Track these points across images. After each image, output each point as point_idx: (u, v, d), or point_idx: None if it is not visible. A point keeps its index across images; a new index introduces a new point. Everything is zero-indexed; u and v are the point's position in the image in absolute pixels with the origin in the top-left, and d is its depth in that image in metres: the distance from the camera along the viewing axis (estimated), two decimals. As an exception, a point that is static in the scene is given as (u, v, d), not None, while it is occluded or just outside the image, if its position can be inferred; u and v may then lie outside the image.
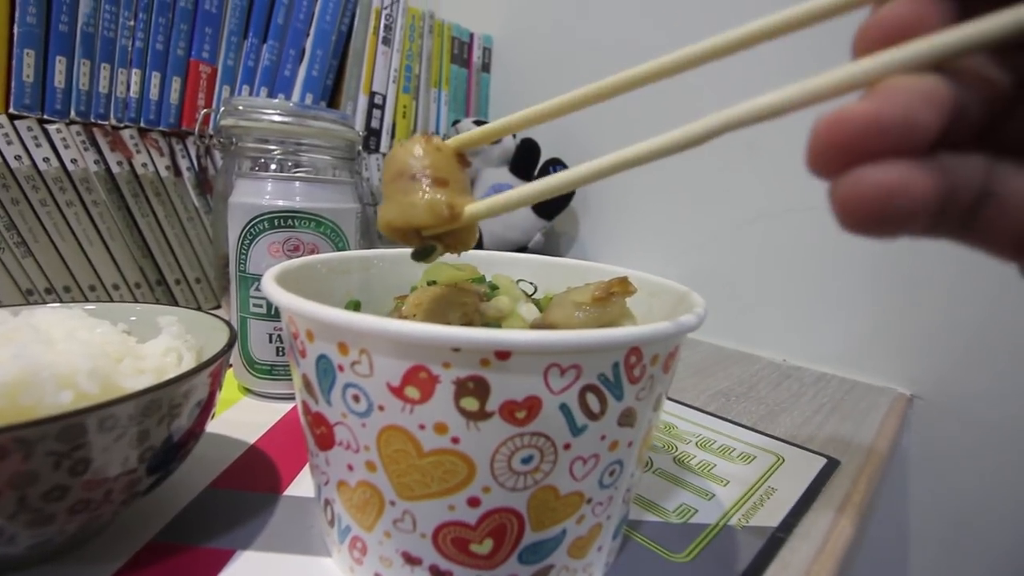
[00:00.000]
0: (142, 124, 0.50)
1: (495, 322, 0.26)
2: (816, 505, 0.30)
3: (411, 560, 0.20)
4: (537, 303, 0.28)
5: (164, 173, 0.51)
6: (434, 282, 0.27)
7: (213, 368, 0.23)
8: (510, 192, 0.18)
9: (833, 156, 0.12)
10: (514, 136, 0.72)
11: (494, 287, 0.28)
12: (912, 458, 0.50)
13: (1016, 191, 0.13)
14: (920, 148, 0.12)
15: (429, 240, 0.20)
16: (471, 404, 0.17)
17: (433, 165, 0.20)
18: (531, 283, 0.32)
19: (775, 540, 0.27)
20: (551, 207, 0.66)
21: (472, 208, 0.19)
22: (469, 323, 0.24)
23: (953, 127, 0.12)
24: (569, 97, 0.19)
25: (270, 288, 0.20)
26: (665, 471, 0.32)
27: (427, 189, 0.19)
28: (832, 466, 0.35)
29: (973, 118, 0.13)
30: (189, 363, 0.26)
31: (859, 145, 0.12)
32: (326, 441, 0.20)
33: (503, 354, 0.16)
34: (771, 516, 0.29)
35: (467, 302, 0.25)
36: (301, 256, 0.33)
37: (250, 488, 0.27)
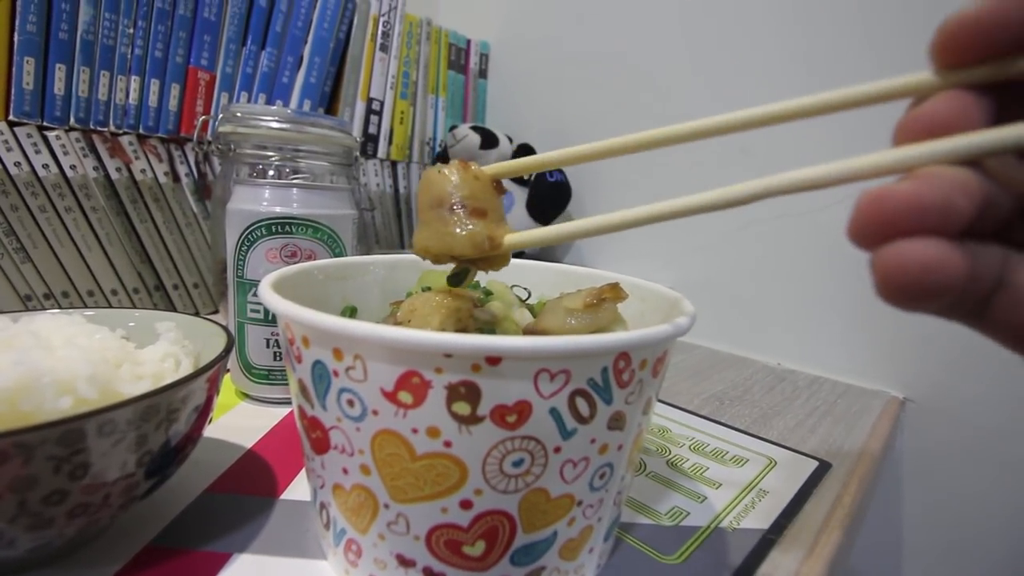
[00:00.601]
0: (141, 131, 0.50)
1: (489, 327, 0.26)
2: (807, 508, 0.31)
3: (405, 562, 0.20)
4: (531, 308, 0.29)
5: (163, 179, 0.52)
6: (429, 288, 0.28)
7: (211, 373, 0.23)
8: (550, 228, 0.19)
9: (875, 230, 0.13)
10: (511, 140, 0.72)
11: (488, 292, 0.29)
12: (904, 461, 0.50)
13: None
14: (953, 232, 0.13)
15: (464, 263, 0.21)
16: (463, 408, 0.17)
17: (472, 195, 0.20)
18: (525, 288, 0.32)
19: (766, 542, 0.27)
20: (546, 212, 0.67)
21: (511, 239, 0.20)
22: (463, 329, 0.25)
23: (980, 218, 0.13)
24: (608, 144, 0.20)
25: (267, 294, 0.21)
26: (658, 474, 0.33)
27: (467, 221, 0.20)
28: (824, 469, 0.35)
29: (999, 212, 0.14)
30: (187, 368, 0.26)
31: (900, 222, 0.13)
32: (321, 445, 0.20)
33: (494, 360, 0.17)
34: (762, 518, 0.29)
35: (461, 307, 0.25)
36: (298, 262, 0.33)
37: (247, 492, 0.28)
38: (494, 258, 0.21)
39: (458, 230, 0.20)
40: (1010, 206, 0.14)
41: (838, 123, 0.52)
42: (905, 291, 0.13)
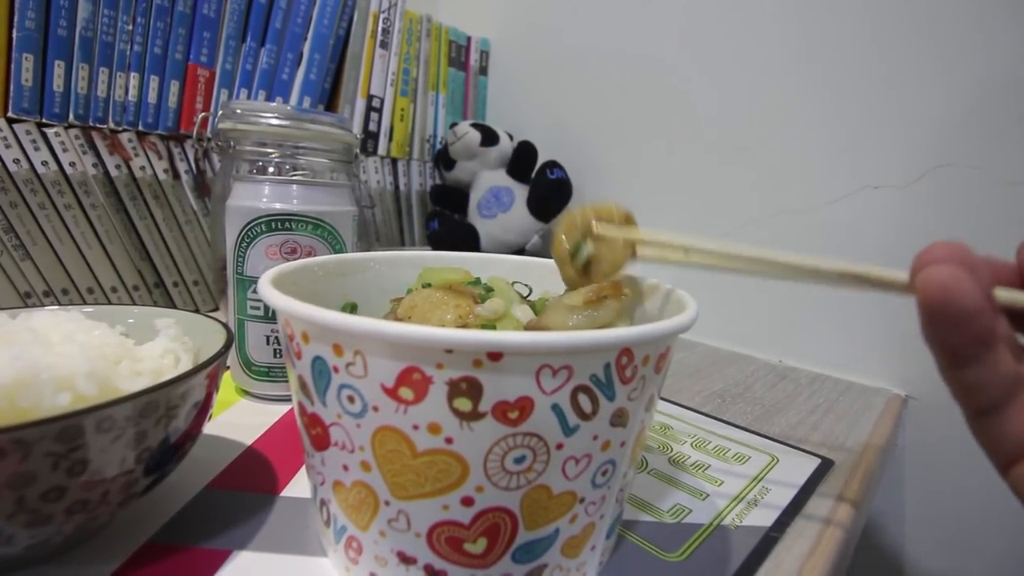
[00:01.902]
0: (140, 128, 0.50)
1: (490, 324, 0.26)
2: (810, 505, 0.31)
3: (406, 559, 0.20)
4: (532, 305, 0.28)
5: (162, 176, 0.52)
6: (429, 284, 0.28)
7: (210, 370, 0.23)
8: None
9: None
10: (511, 138, 0.72)
11: (489, 289, 0.28)
12: (907, 458, 0.50)
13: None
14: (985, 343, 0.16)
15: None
16: (464, 404, 0.17)
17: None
18: (527, 285, 0.32)
19: (768, 539, 0.27)
20: (548, 209, 0.66)
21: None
22: (464, 325, 0.24)
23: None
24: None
25: (266, 291, 0.21)
26: (660, 471, 0.33)
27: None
28: (826, 466, 0.35)
29: None
30: (186, 365, 0.26)
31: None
32: (321, 442, 0.20)
33: (495, 355, 0.17)
34: (765, 516, 0.29)
35: (462, 304, 0.25)
36: (298, 259, 0.33)
37: (247, 489, 0.28)
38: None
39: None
40: None
41: (838, 120, 0.51)
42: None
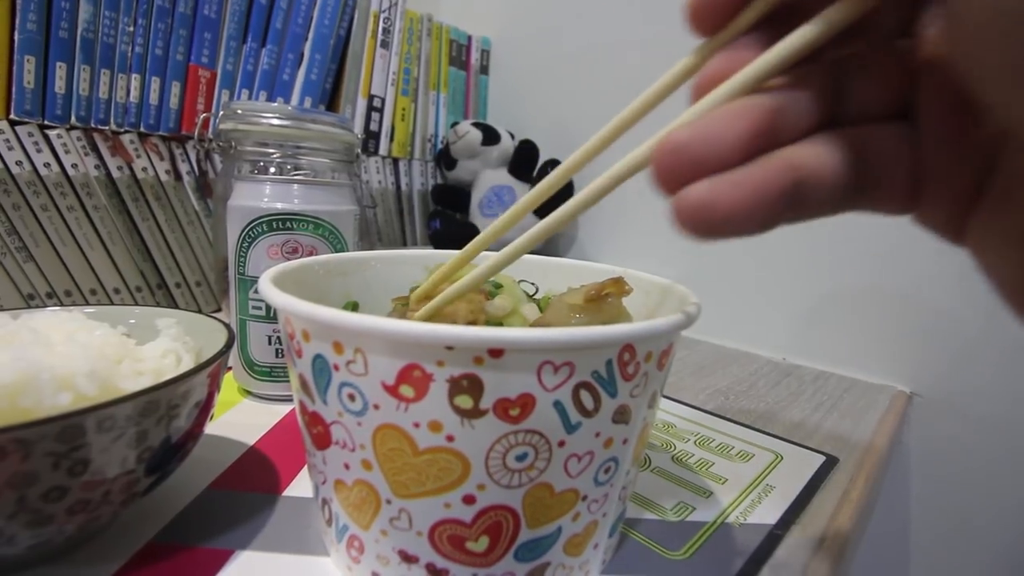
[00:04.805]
0: (142, 129, 0.50)
1: (497, 321, 0.26)
2: (814, 502, 0.30)
3: (408, 558, 0.20)
4: (538, 303, 0.28)
5: (164, 177, 0.52)
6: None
7: (211, 369, 0.23)
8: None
9: (665, 186, 0.14)
10: (513, 137, 0.72)
11: (498, 286, 0.28)
12: (912, 455, 0.50)
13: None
14: (733, 155, 0.14)
15: None
16: (465, 402, 0.17)
17: None
18: (532, 283, 0.32)
19: (772, 537, 0.27)
20: (550, 208, 0.66)
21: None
22: (474, 322, 0.24)
23: (787, 112, 0.14)
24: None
25: (266, 289, 0.20)
26: (663, 469, 0.32)
27: None
28: (831, 463, 0.35)
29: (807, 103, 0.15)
30: (188, 365, 0.26)
31: (681, 173, 0.14)
32: (323, 440, 0.20)
33: (496, 352, 0.17)
34: (769, 513, 0.29)
35: (473, 299, 0.25)
36: (300, 258, 0.33)
37: (249, 489, 0.28)
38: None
39: None
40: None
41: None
42: (697, 232, 0.14)
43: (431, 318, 0.23)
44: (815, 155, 0.14)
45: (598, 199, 0.17)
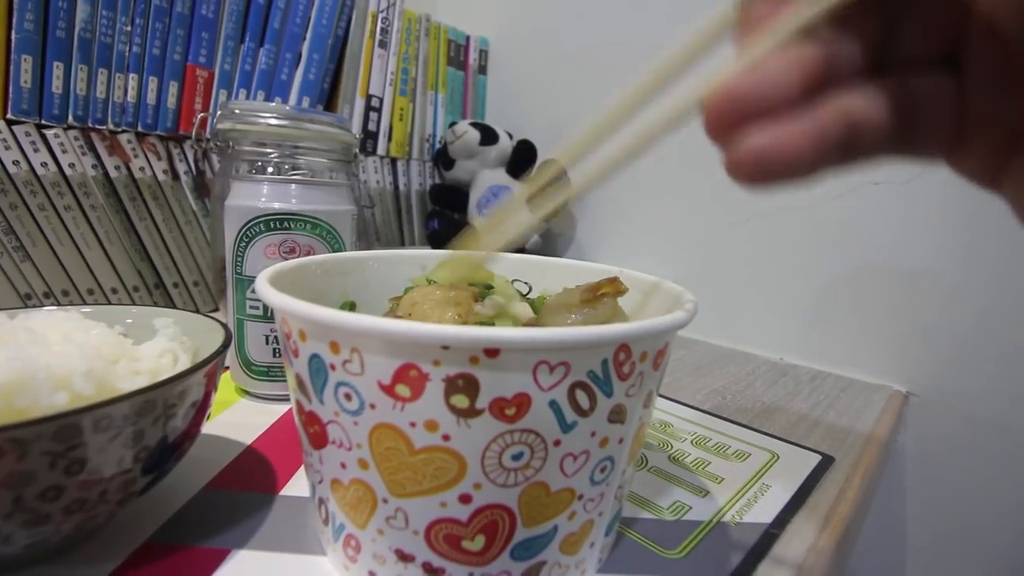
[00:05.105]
0: (139, 128, 0.50)
1: (489, 321, 0.26)
2: (810, 502, 0.30)
3: (404, 557, 0.20)
4: (532, 303, 0.28)
5: (162, 177, 0.52)
6: (433, 281, 0.28)
7: (208, 369, 0.23)
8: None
9: (717, 134, 0.15)
10: (511, 137, 0.72)
11: (489, 287, 0.28)
12: (908, 455, 0.50)
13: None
14: (787, 102, 0.14)
15: None
16: (461, 401, 0.17)
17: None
18: (526, 283, 0.32)
19: (768, 536, 0.27)
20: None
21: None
22: (464, 323, 0.24)
23: (837, 60, 0.14)
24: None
25: (263, 289, 0.20)
26: (660, 469, 0.33)
27: None
28: (827, 463, 0.35)
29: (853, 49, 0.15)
30: (185, 364, 0.26)
31: (734, 119, 0.14)
32: (319, 440, 0.20)
33: (492, 352, 0.17)
34: (765, 513, 0.29)
35: (462, 301, 0.25)
36: (297, 258, 0.33)
37: (246, 488, 0.28)
38: None
39: None
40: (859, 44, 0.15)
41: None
42: (753, 180, 0.14)
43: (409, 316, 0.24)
44: (865, 101, 0.15)
45: (642, 149, 0.18)
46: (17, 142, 0.44)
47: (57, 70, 0.44)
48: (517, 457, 0.18)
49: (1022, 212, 0.16)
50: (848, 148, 0.14)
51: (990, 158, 0.16)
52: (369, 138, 0.67)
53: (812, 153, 0.14)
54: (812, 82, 0.14)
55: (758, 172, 0.14)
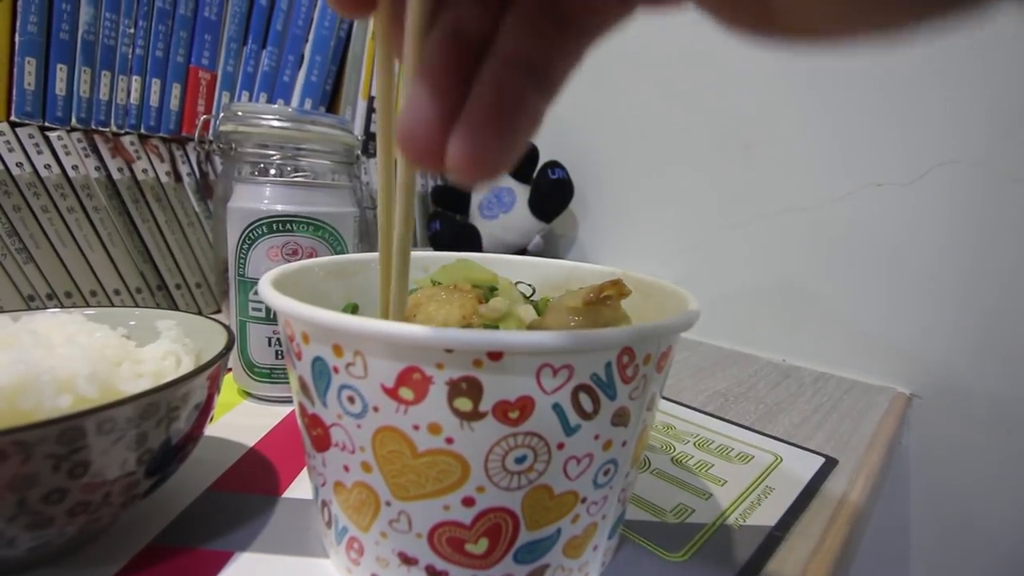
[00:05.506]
0: (143, 130, 0.50)
1: (493, 323, 0.26)
2: (814, 504, 0.30)
3: (407, 560, 0.20)
4: (535, 305, 0.28)
5: (165, 179, 0.52)
6: (436, 283, 0.28)
7: (211, 371, 0.23)
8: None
9: (420, 164, 0.14)
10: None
11: (493, 288, 0.28)
12: (911, 457, 0.50)
13: None
14: (454, 105, 0.13)
15: None
16: (464, 404, 0.17)
17: None
18: (529, 285, 0.32)
19: (772, 539, 0.27)
20: (549, 209, 0.66)
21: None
22: (468, 325, 0.24)
23: (465, 27, 0.14)
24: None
25: (266, 291, 0.20)
26: (663, 471, 0.32)
27: None
28: (830, 465, 0.35)
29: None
30: (188, 366, 0.26)
31: (417, 154, 0.14)
32: (322, 442, 0.20)
33: (495, 355, 0.17)
34: (768, 515, 0.29)
35: (466, 303, 0.25)
36: (299, 260, 0.33)
37: (249, 490, 0.28)
38: None
39: None
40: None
41: (842, 117, 0.51)
42: (476, 178, 0.13)
43: (414, 318, 0.24)
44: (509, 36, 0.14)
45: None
46: (21, 144, 0.44)
47: (60, 72, 0.45)
48: (520, 460, 0.18)
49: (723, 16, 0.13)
50: (538, 76, 0.15)
51: None
52: (371, 140, 0.67)
53: (507, 120, 0.13)
54: (462, 70, 0.14)
55: (479, 173, 0.13)
